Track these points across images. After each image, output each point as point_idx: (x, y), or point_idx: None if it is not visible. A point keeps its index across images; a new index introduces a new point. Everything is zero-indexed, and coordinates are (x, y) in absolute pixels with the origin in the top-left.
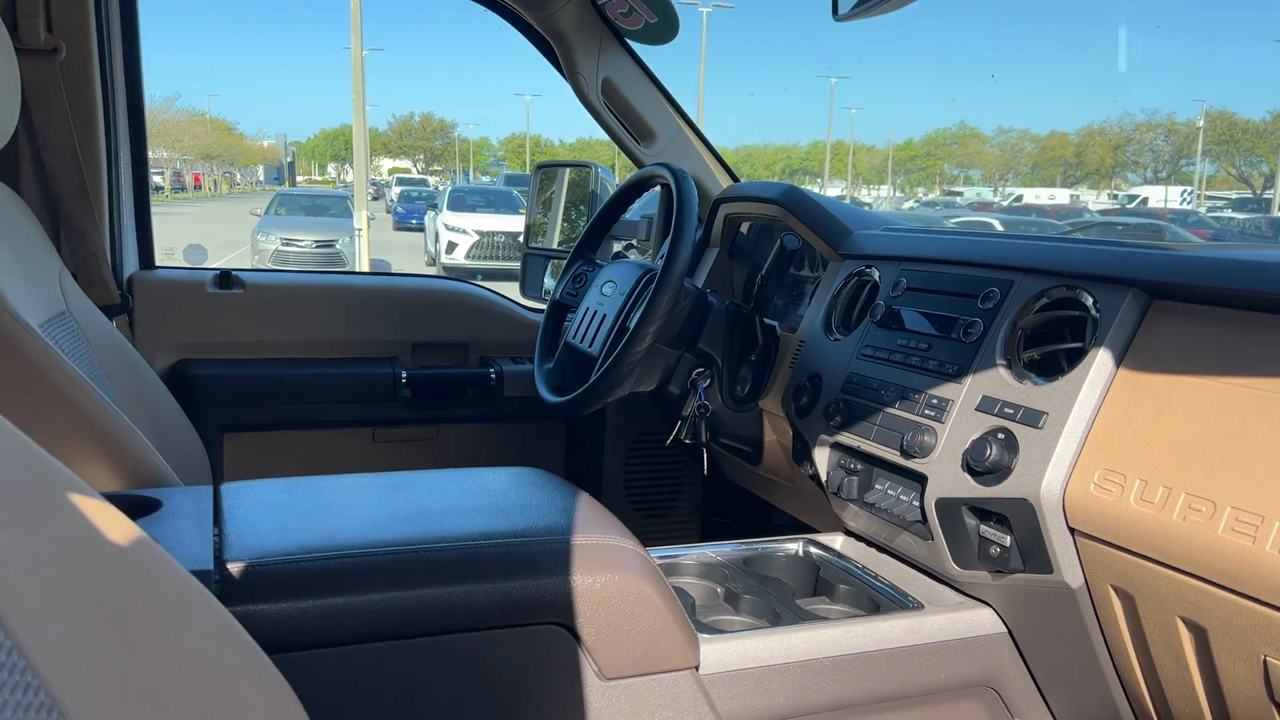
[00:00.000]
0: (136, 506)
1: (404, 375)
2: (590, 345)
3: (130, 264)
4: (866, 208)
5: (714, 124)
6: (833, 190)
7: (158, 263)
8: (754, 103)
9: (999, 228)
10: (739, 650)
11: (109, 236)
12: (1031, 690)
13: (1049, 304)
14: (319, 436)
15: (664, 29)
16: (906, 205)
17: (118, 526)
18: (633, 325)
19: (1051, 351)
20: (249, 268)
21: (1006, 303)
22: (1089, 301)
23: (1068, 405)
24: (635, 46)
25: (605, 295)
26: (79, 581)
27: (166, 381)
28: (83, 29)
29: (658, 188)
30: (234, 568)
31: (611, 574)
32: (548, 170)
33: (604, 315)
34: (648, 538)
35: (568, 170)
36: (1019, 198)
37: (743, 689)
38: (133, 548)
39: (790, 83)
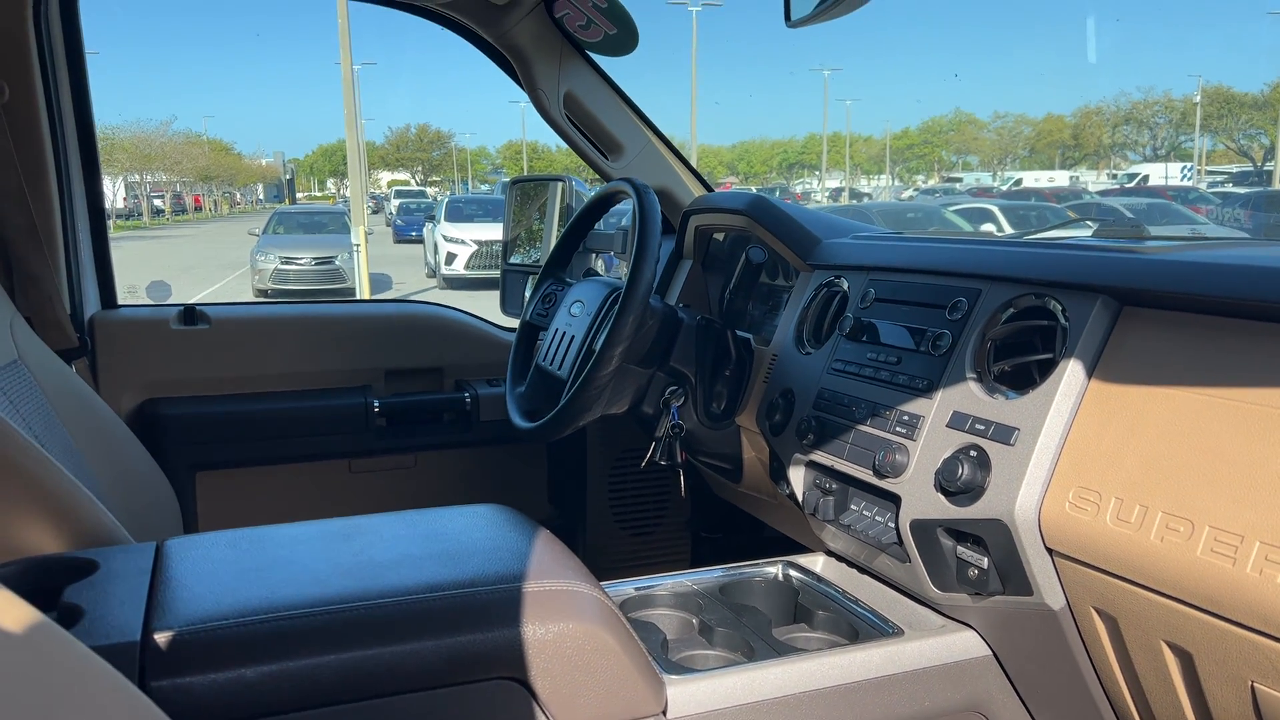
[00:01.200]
0: (72, 569)
1: (376, 404)
2: (559, 368)
3: (91, 304)
4: (866, 198)
5: (708, 122)
6: (831, 182)
7: (120, 301)
8: (749, 99)
9: (998, 213)
10: (710, 690)
11: (67, 278)
12: (1021, 713)
13: (1017, 313)
14: (294, 471)
15: (624, 40)
16: (906, 194)
17: (12, 613)
18: (599, 347)
19: (1023, 363)
20: (217, 301)
21: (974, 313)
22: (1058, 310)
23: (1039, 420)
24: (599, 59)
25: (573, 316)
26: None
27: (132, 423)
28: (26, 69)
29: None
30: (162, 637)
31: (567, 622)
32: (523, 186)
33: (572, 336)
34: (635, 557)
35: (542, 185)
36: (1018, 181)
37: None
38: (28, 636)
39: (784, 77)
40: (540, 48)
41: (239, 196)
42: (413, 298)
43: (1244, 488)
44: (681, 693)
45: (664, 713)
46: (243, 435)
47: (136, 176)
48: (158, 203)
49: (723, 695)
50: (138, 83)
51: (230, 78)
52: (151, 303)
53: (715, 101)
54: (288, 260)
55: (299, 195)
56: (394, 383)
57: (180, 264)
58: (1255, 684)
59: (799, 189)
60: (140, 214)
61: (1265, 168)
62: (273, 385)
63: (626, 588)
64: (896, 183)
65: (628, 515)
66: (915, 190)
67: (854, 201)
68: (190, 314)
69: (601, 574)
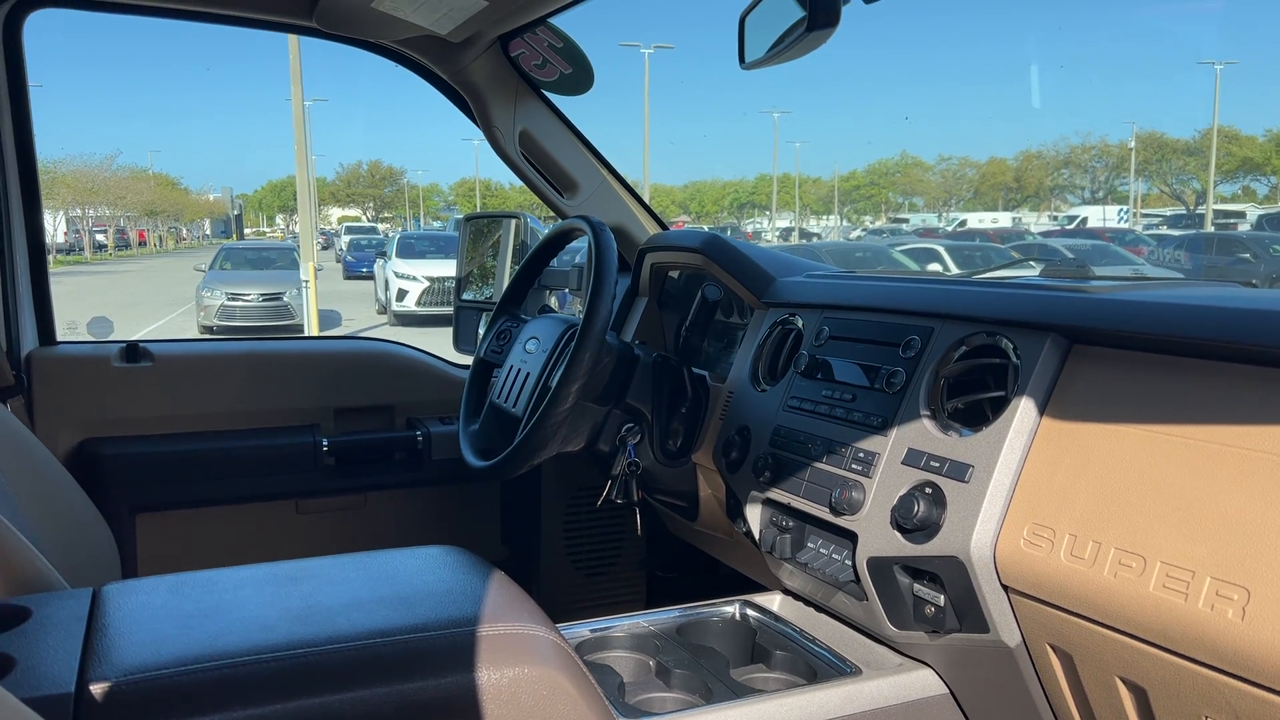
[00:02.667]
0: (2, 618)
1: (325, 443)
2: (514, 405)
3: (29, 341)
4: (816, 237)
5: (661, 162)
6: (781, 221)
7: (60, 337)
8: (700, 139)
9: (944, 253)
10: None
11: (4, 313)
12: None
13: (969, 351)
14: (239, 512)
15: (579, 79)
16: (854, 234)
17: None
18: (554, 384)
19: (975, 400)
20: (161, 338)
21: (928, 351)
22: (1009, 348)
23: (993, 457)
24: (555, 98)
25: (529, 353)
26: None
27: (70, 464)
28: None
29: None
30: (98, 689)
31: (521, 667)
32: (476, 222)
33: (527, 373)
34: (590, 598)
35: (496, 221)
36: (963, 222)
37: None
38: None
39: (735, 118)
40: (496, 86)
41: (185, 232)
42: (363, 334)
43: (1194, 523)
44: None
45: None
46: (186, 476)
47: (79, 211)
48: (100, 237)
49: None
50: (82, 116)
51: (178, 112)
52: (92, 339)
53: (670, 141)
54: (234, 296)
55: (247, 231)
56: (343, 421)
57: (123, 300)
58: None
59: (750, 228)
60: (82, 249)
61: (1197, 211)
62: (218, 424)
63: (582, 630)
64: (845, 223)
65: (582, 555)
66: (863, 230)
67: (804, 241)
68: (133, 351)
69: (556, 615)
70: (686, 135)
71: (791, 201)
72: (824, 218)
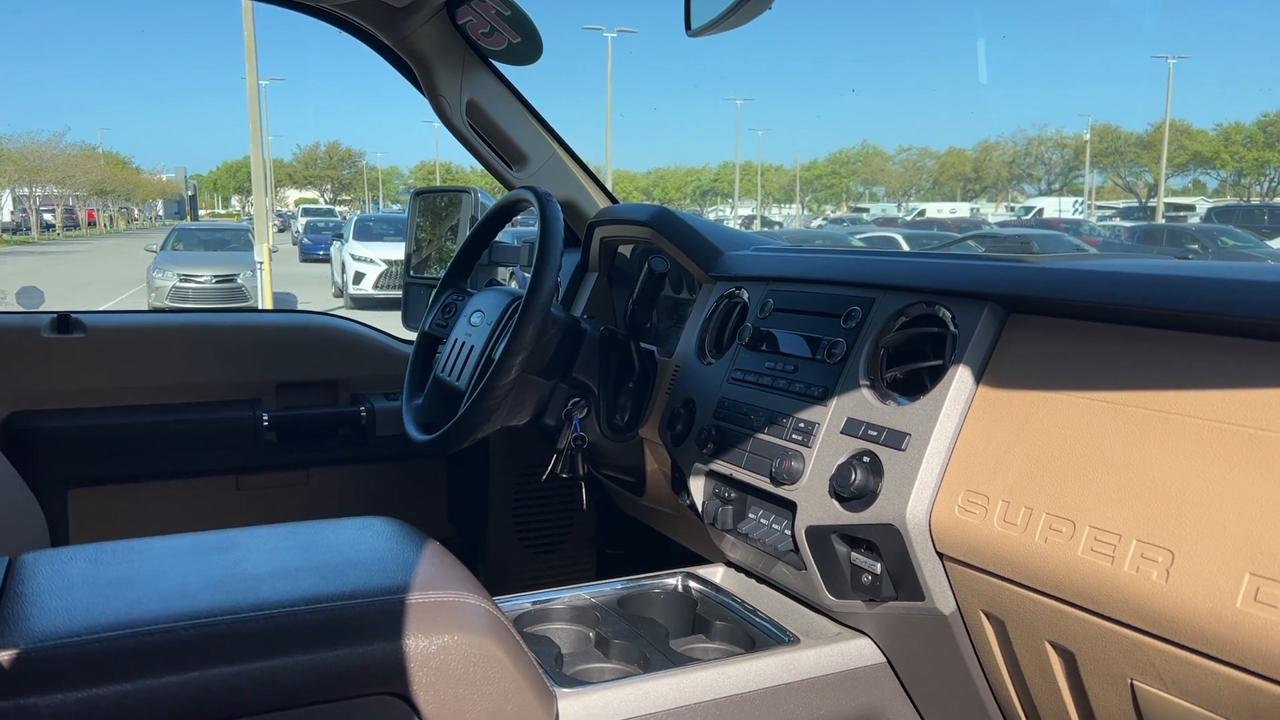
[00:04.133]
0: None
1: (266, 417)
2: (458, 379)
3: None
4: (777, 226)
5: (624, 148)
6: (744, 209)
7: None
8: (664, 126)
9: (902, 242)
10: (602, 703)
11: None
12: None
13: (909, 321)
14: (177, 487)
15: (528, 49)
16: (815, 223)
17: None
18: (498, 356)
19: (914, 370)
20: (98, 309)
21: (868, 321)
22: (947, 317)
23: (930, 425)
24: (506, 69)
25: (474, 325)
26: None
27: None
28: None
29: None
30: (6, 655)
31: (452, 634)
32: (426, 197)
33: (471, 346)
34: (539, 575)
35: (447, 196)
36: (922, 212)
37: None
38: None
39: (698, 104)
40: (442, 54)
41: (137, 212)
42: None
43: (1122, 488)
44: (573, 705)
45: None
46: (120, 450)
47: (25, 189)
48: (48, 217)
49: (615, 707)
50: (29, 93)
51: (129, 90)
52: (21, 309)
53: (621, 113)
54: (187, 278)
55: (202, 213)
56: (285, 396)
57: (70, 280)
58: (1134, 682)
59: (713, 215)
60: (29, 228)
61: (1149, 203)
62: (154, 398)
63: (523, 602)
64: (806, 212)
65: (531, 532)
66: (824, 219)
67: (765, 229)
68: (64, 321)
69: (504, 592)
70: (650, 121)
71: (754, 189)
72: (786, 206)
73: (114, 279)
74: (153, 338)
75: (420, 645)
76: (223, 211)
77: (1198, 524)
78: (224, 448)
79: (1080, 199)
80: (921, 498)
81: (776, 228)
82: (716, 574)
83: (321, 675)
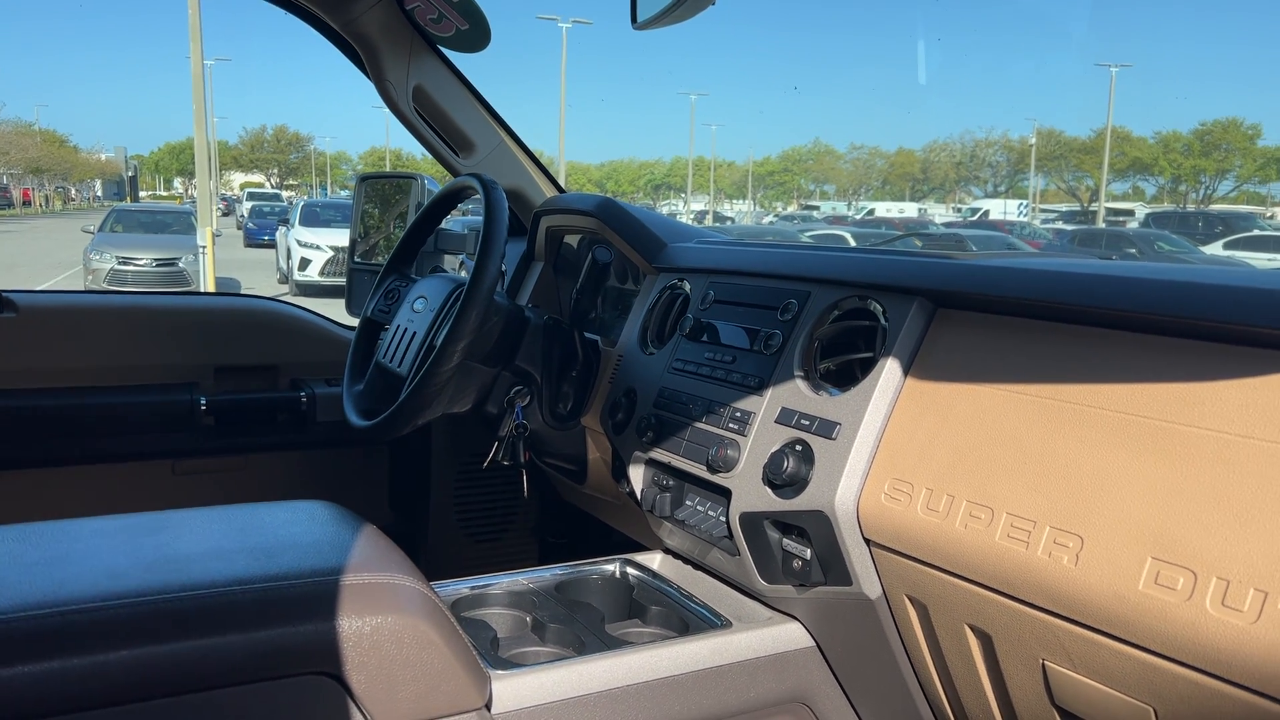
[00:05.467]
0: None
1: (203, 401)
2: (400, 365)
3: None
4: (730, 221)
5: (577, 140)
6: (696, 204)
7: None
8: (618, 118)
9: (850, 240)
10: (535, 684)
11: None
12: (843, 703)
13: (842, 314)
14: (110, 471)
15: (476, 36)
16: (767, 219)
17: None
18: (440, 342)
19: (847, 361)
20: (30, 289)
21: (804, 314)
22: (879, 311)
23: (859, 415)
24: (454, 56)
25: (416, 312)
26: None
27: None
28: None
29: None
30: None
31: (385, 615)
32: (372, 183)
33: (414, 333)
34: (481, 563)
35: (393, 182)
36: (871, 211)
37: None
38: None
39: (652, 98)
40: (389, 39)
41: (74, 192)
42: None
43: (1037, 476)
44: (506, 687)
45: (488, 707)
46: (52, 432)
47: None
48: None
49: (548, 689)
50: None
51: (67, 67)
52: None
53: (570, 104)
54: (125, 260)
55: (143, 194)
56: (224, 380)
57: (2, 260)
58: (1046, 662)
59: (666, 209)
60: None
61: (1091, 208)
62: (87, 380)
63: (461, 587)
64: (758, 208)
65: (473, 520)
66: (775, 216)
67: (718, 224)
68: None
69: (444, 579)
70: (604, 113)
71: (706, 185)
72: (738, 202)
73: (49, 260)
74: (87, 318)
75: (353, 626)
76: (165, 194)
77: (1106, 511)
78: (160, 431)
79: (1025, 202)
80: (850, 485)
81: (729, 223)
82: (654, 560)
83: (253, 655)
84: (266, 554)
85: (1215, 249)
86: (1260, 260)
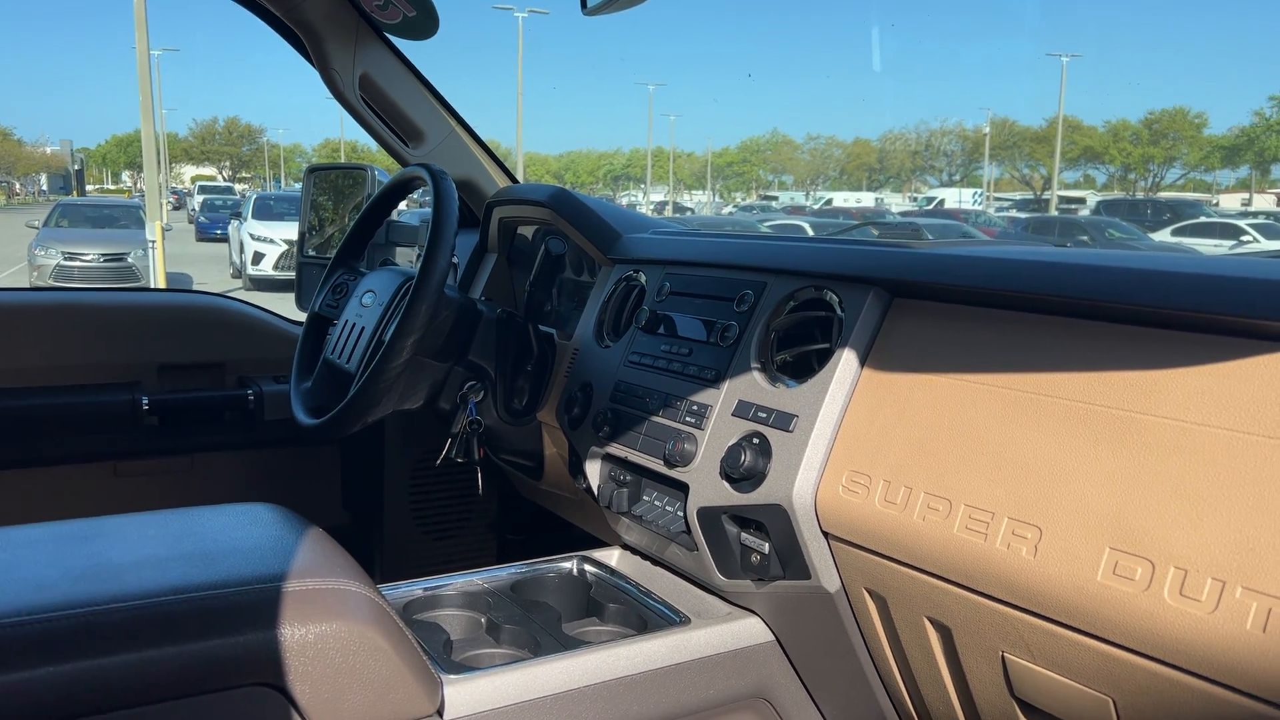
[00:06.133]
0: None
1: (146, 401)
2: (348, 361)
3: None
4: (689, 212)
5: (535, 131)
6: (655, 195)
7: None
8: (575, 110)
9: (809, 229)
10: (489, 688)
11: None
12: (803, 697)
13: (798, 305)
14: (49, 475)
15: (424, 24)
16: (726, 210)
17: None
18: (389, 337)
19: (803, 353)
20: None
21: (760, 305)
22: (835, 301)
23: (816, 407)
24: (402, 44)
25: (365, 306)
26: None
27: None
28: None
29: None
30: None
31: (330, 622)
32: (323, 174)
33: (362, 328)
34: (439, 562)
35: (343, 174)
36: (829, 201)
37: None
38: None
39: (610, 89)
40: (334, 26)
41: (19, 186)
42: (194, 288)
43: (995, 467)
44: (459, 692)
45: (439, 713)
46: None
47: None
48: None
49: (503, 692)
50: None
51: (9, 58)
52: None
53: (552, 86)
54: (72, 256)
55: (90, 188)
56: (168, 379)
57: None
58: (1006, 654)
59: (625, 201)
60: None
61: (1044, 196)
62: (24, 380)
63: (414, 588)
64: (717, 199)
65: (429, 518)
66: (735, 206)
67: (677, 215)
68: None
69: (402, 579)
70: (562, 104)
71: (665, 175)
72: (697, 193)
73: None
74: (23, 316)
75: (296, 634)
76: (112, 187)
77: (1064, 501)
78: (101, 432)
79: (980, 190)
80: (807, 478)
81: (688, 214)
82: (612, 557)
83: (189, 667)
84: (205, 560)
85: (1164, 235)
86: (1207, 246)
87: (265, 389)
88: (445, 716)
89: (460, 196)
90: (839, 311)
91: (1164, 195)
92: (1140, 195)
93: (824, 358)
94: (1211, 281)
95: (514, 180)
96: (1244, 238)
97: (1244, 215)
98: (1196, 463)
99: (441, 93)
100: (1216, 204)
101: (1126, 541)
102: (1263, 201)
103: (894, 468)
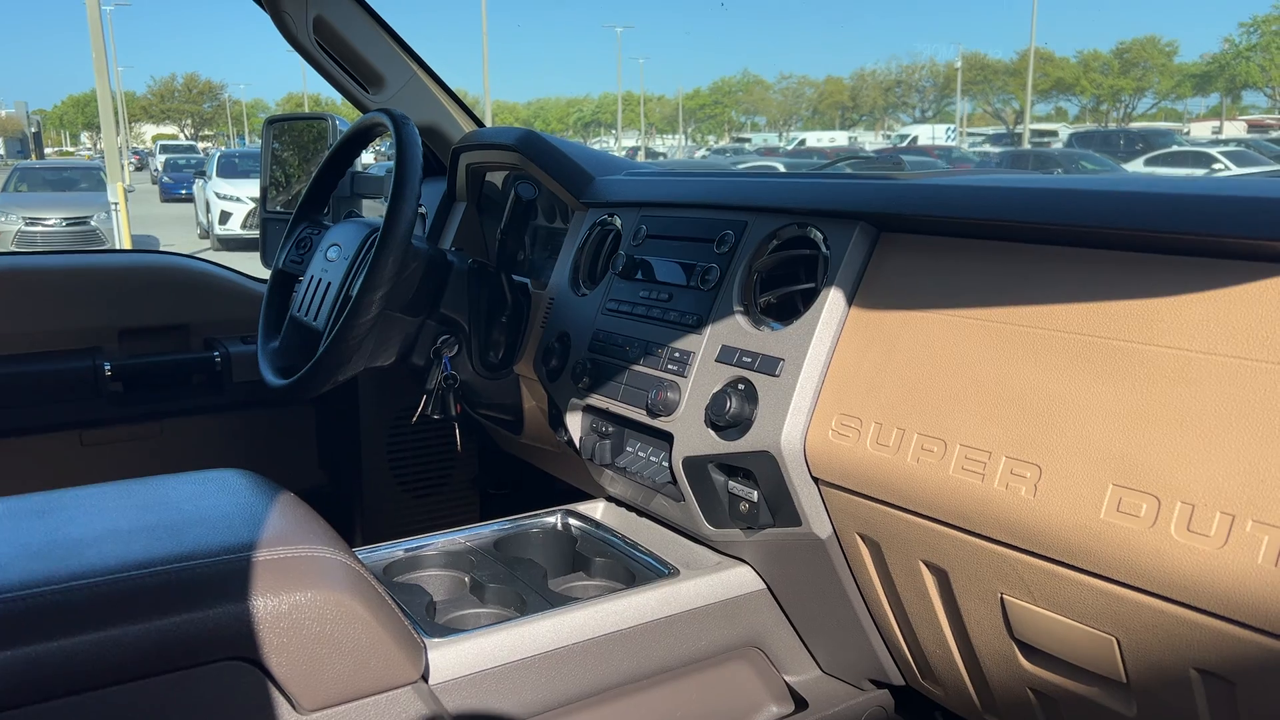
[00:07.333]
0: None
1: (108, 367)
2: (315, 318)
3: None
4: (662, 156)
5: (502, 78)
6: (627, 140)
7: None
8: (543, 54)
9: (783, 170)
10: (475, 650)
11: None
12: (796, 644)
13: (781, 244)
14: (11, 446)
15: None
16: (699, 153)
17: None
18: (356, 292)
19: (788, 294)
20: None
21: (741, 245)
22: (819, 238)
23: (802, 350)
24: None
25: (330, 260)
26: None
27: None
28: None
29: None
30: None
31: (305, 591)
32: (281, 126)
33: (329, 283)
34: (420, 521)
35: (303, 124)
36: (802, 141)
37: (482, 693)
38: None
39: (577, 32)
40: None
41: None
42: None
43: (990, 404)
44: (443, 656)
45: (424, 678)
46: None
47: None
48: None
49: (489, 654)
50: None
51: None
52: None
53: (517, 24)
54: (33, 221)
55: (48, 150)
56: (130, 343)
57: None
58: (1004, 595)
59: (596, 146)
60: None
61: (1016, 129)
62: None
63: (394, 550)
64: (690, 142)
65: (409, 476)
66: (708, 150)
67: (650, 159)
68: None
69: (385, 539)
70: (530, 50)
71: (637, 120)
72: (669, 137)
73: None
74: None
75: (269, 605)
76: (71, 149)
77: (1064, 438)
78: (63, 401)
79: (952, 126)
80: (796, 423)
81: (661, 158)
82: (597, 510)
83: (158, 645)
84: (170, 532)
85: (1137, 165)
86: (1180, 176)
87: (232, 350)
88: (430, 681)
89: (425, 143)
90: (824, 249)
91: (1136, 125)
92: (1113, 126)
93: (809, 298)
94: (1215, 202)
95: (479, 124)
96: (1216, 165)
97: (1215, 143)
98: (1203, 394)
99: (401, 35)
100: (1188, 133)
101: (1130, 477)
102: (1233, 129)
103: (885, 409)
